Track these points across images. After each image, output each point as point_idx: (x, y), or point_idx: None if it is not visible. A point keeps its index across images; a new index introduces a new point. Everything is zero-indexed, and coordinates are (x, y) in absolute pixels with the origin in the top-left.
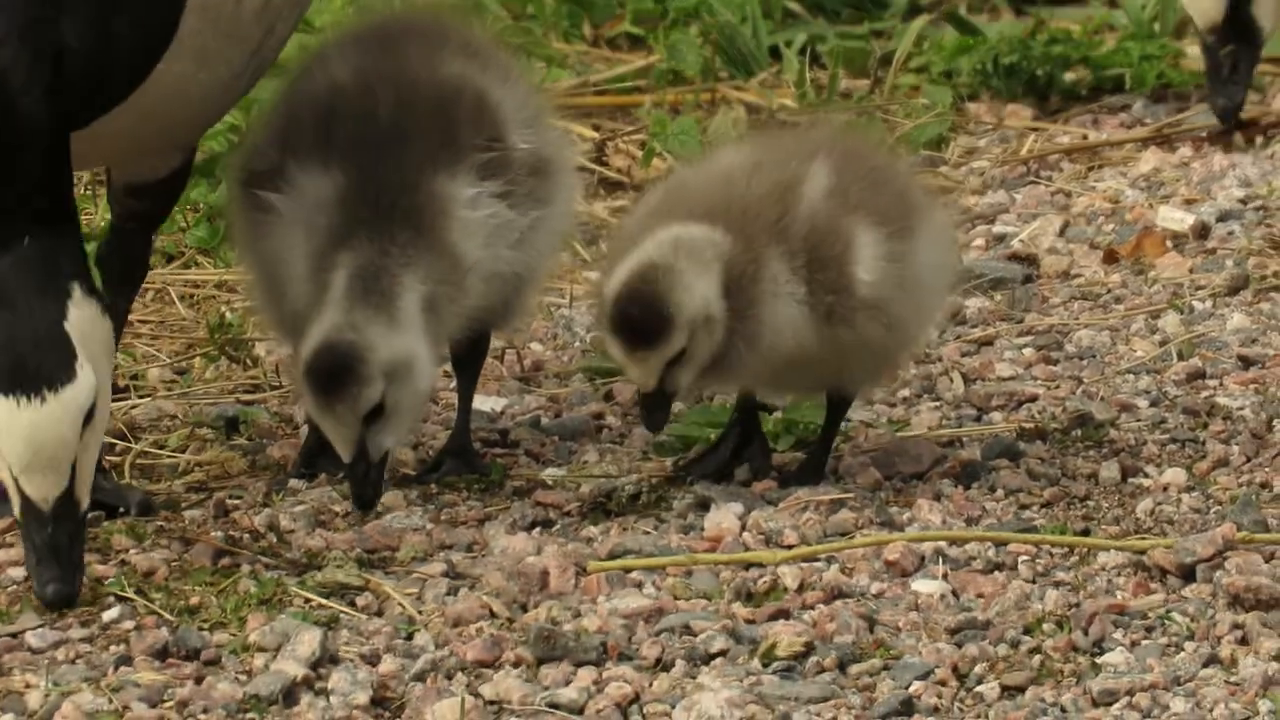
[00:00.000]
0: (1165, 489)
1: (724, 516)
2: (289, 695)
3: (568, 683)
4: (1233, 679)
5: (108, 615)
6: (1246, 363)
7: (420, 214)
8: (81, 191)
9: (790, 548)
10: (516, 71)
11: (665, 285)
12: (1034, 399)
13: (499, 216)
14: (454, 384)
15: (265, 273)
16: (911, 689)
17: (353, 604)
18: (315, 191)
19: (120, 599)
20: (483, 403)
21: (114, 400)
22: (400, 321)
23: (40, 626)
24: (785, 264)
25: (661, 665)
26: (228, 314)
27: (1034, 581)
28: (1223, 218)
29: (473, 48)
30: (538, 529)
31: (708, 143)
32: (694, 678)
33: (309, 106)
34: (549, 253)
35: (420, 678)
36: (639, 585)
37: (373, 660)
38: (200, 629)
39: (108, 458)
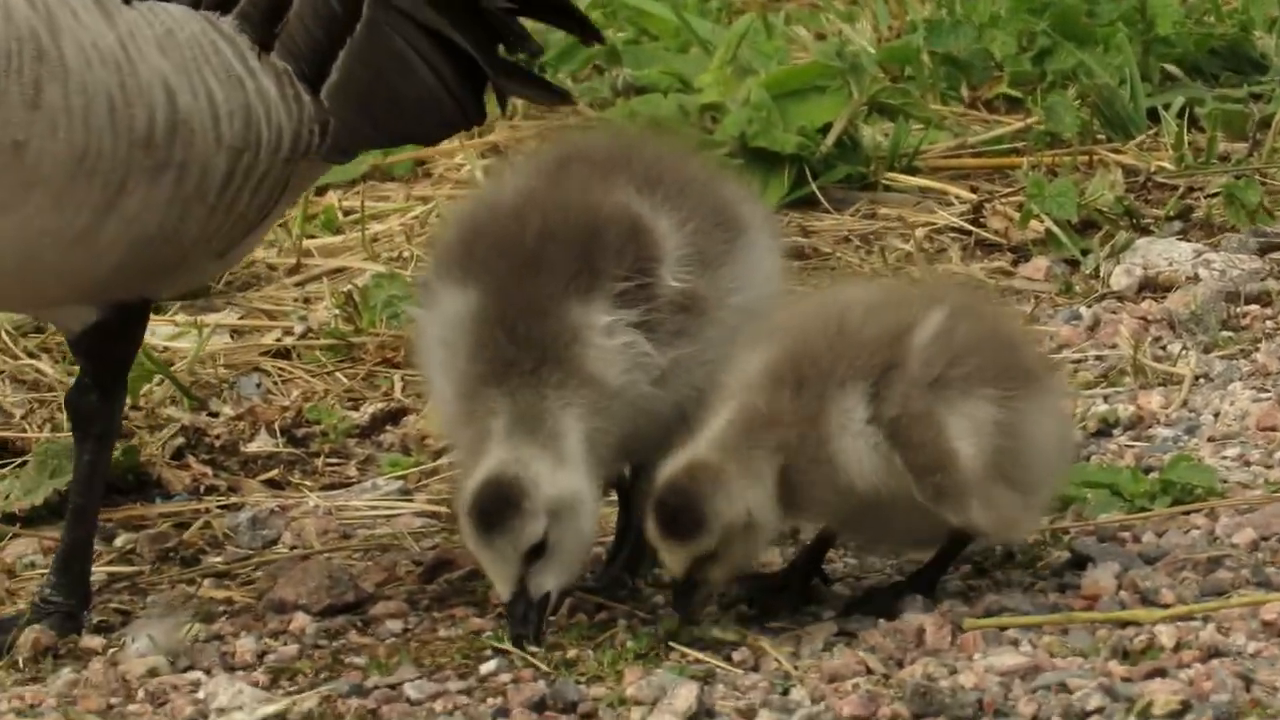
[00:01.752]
0: None
1: (1101, 574)
2: None
3: None
4: None
5: (485, 668)
6: None
7: (556, 342)
8: None
9: (1167, 606)
10: (699, 210)
11: (708, 488)
12: None
13: (636, 347)
14: None
15: (426, 380)
16: None
17: (729, 659)
18: (453, 309)
19: (498, 651)
20: None
21: None
22: (566, 458)
23: (419, 678)
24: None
25: None
26: None
27: None
28: None
29: (651, 179)
30: None
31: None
32: None
33: (462, 224)
34: (704, 389)
35: None
36: (1015, 643)
37: (749, 715)
38: (578, 682)
39: None
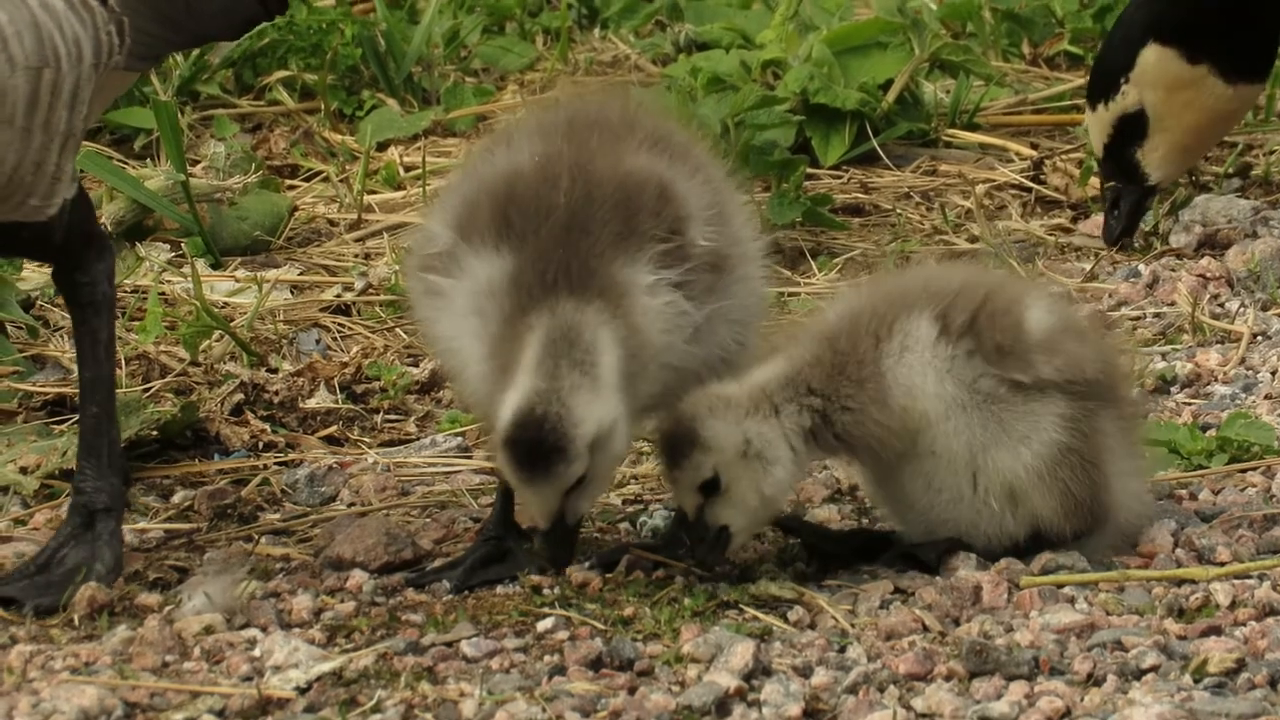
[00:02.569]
0: None
1: (1158, 533)
2: (721, 706)
3: (999, 696)
4: None
5: (542, 625)
6: None
7: (606, 291)
8: None
9: (1223, 564)
10: (708, 166)
11: (702, 411)
12: None
13: (675, 306)
14: None
15: (444, 355)
16: None
17: (785, 617)
18: (488, 276)
19: (554, 610)
20: None
21: None
22: (603, 383)
23: (475, 635)
24: None
25: (1093, 680)
26: None
27: None
28: None
29: (662, 142)
30: None
31: None
32: (1125, 693)
33: (487, 191)
34: (729, 348)
35: (852, 690)
36: (1071, 600)
37: (805, 672)
38: (634, 640)
39: None
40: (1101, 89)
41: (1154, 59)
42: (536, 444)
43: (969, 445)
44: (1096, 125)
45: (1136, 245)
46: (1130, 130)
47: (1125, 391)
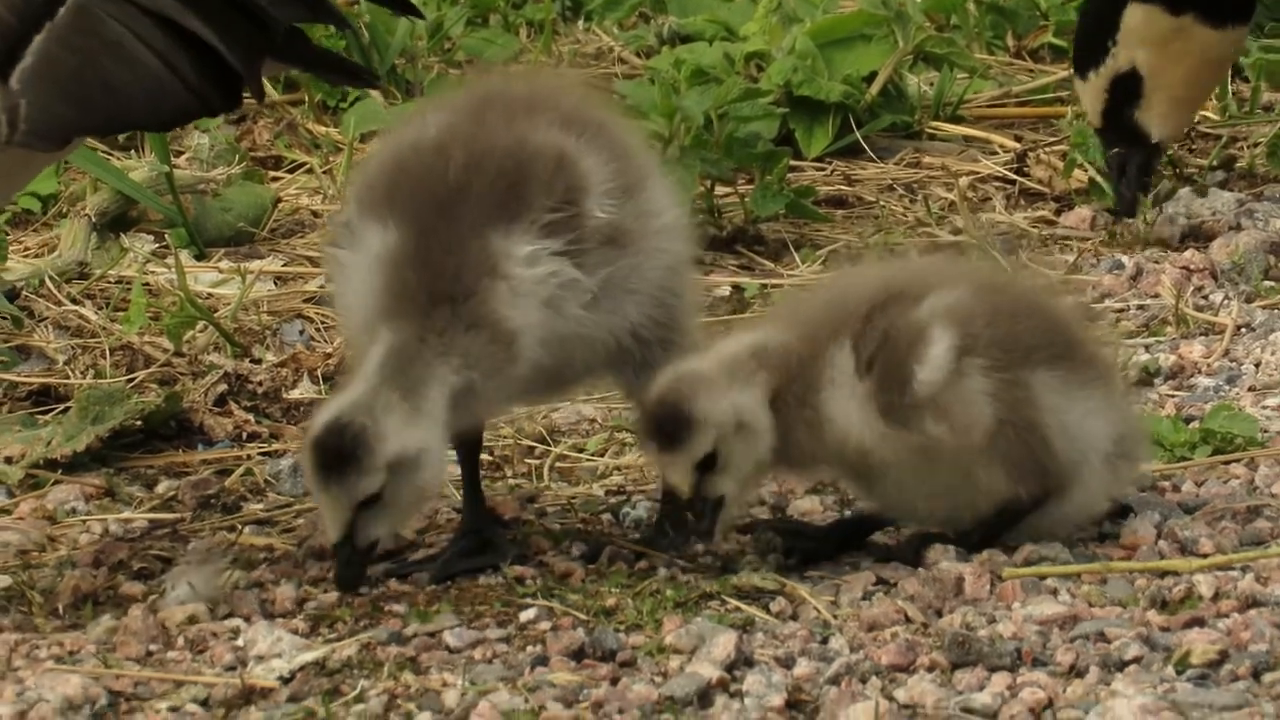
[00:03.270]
0: None
1: (1140, 524)
2: (704, 697)
3: (981, 688)
4: None
5: (525, 616)
6: None
7: (464, 278)
8: None
9: (1206, 556)
10: (620, 143)
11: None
12: None
13: (562, 275)
14: None
15: (344, 327)
16: None
17: (767, 608)
18: (375, 247)
19: (537, 600)
20: None
21: (536, 405)
22: (422, 411)
23: (458, 626)
24: None
25: (1075, 672)
26: None
27: None
28: None
29: (571, 118)
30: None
31: None
32: (1108, 684)
33: (382, 164)
34: (640, 321)
35: (835, 681)
36: (1054, 592)
37: (788, 663)
38: (616, 630)
39: (527, 460)
40: (1089, 57)
41: (1139, 17)
42: (335, 450)
43: (914, 456)
44: (1090, 94)
45: (1120, 238)
46: (1125, 92)
47: (1062, 338)
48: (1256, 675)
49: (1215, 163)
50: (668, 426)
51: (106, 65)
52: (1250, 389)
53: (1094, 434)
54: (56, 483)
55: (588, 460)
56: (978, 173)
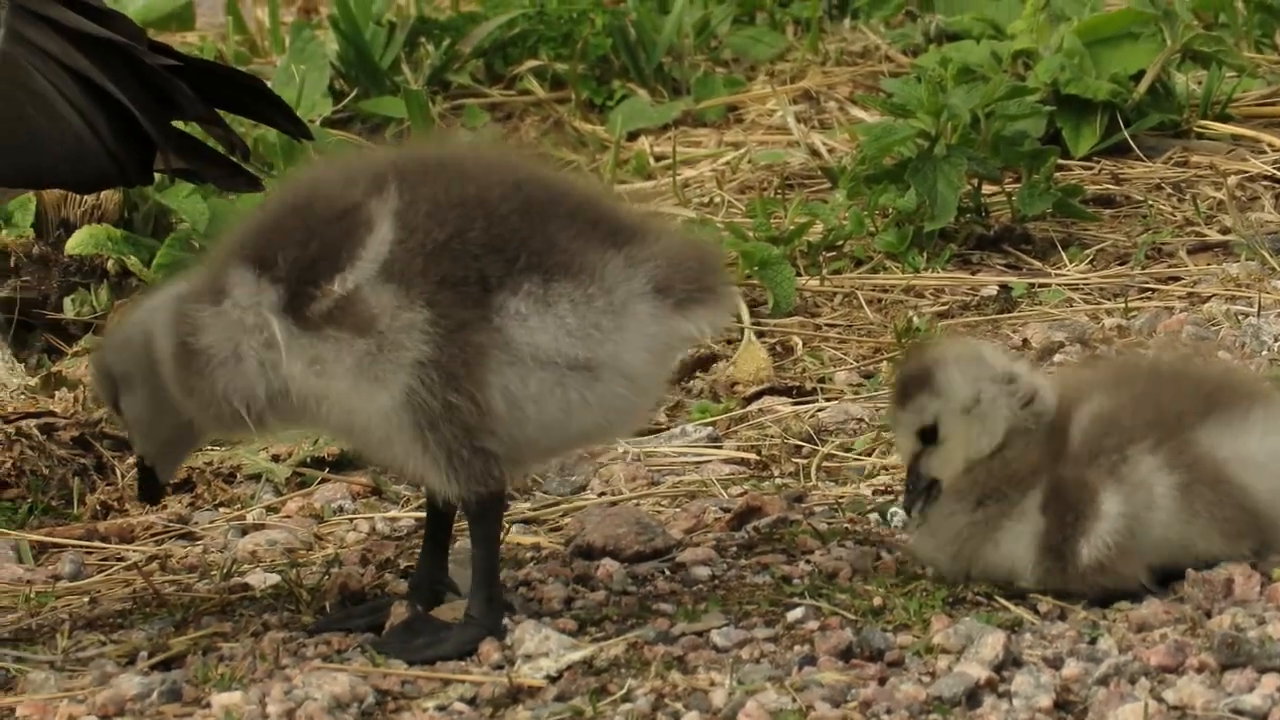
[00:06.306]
0: None
1: None
2: (972, 697)
3: (1252, 689)
4: None
5: (792, 615)
6: None
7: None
8: None
9: None
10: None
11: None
12: None
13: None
14: None
15: None
16: None
17: (1035, 608)
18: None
19: (804, 599)
20: None
21: (802, 402)
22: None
23: (725, 625)
24: None
25: None
26: (914, 318)
27: None
28: None
29: (377, 187)
30: None
31: None
32: None
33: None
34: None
35: (1104, 682)
36: None
37: (1056, 664)
38: (884, 630)
39: (794, 459)
40: None
41: None
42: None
43: None
44: None
45: None
46: None
47: None
48: None
49: None
50: (903, 379)
51: (31, 118)
52: None
53: None
54: (323, 481)
55: (854, 460)
56: (1246, 172)
